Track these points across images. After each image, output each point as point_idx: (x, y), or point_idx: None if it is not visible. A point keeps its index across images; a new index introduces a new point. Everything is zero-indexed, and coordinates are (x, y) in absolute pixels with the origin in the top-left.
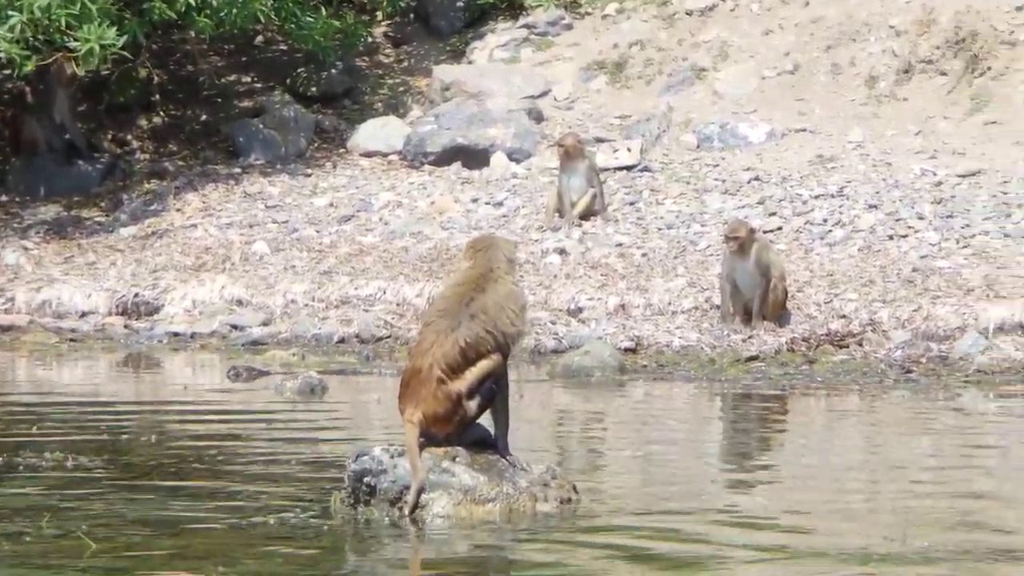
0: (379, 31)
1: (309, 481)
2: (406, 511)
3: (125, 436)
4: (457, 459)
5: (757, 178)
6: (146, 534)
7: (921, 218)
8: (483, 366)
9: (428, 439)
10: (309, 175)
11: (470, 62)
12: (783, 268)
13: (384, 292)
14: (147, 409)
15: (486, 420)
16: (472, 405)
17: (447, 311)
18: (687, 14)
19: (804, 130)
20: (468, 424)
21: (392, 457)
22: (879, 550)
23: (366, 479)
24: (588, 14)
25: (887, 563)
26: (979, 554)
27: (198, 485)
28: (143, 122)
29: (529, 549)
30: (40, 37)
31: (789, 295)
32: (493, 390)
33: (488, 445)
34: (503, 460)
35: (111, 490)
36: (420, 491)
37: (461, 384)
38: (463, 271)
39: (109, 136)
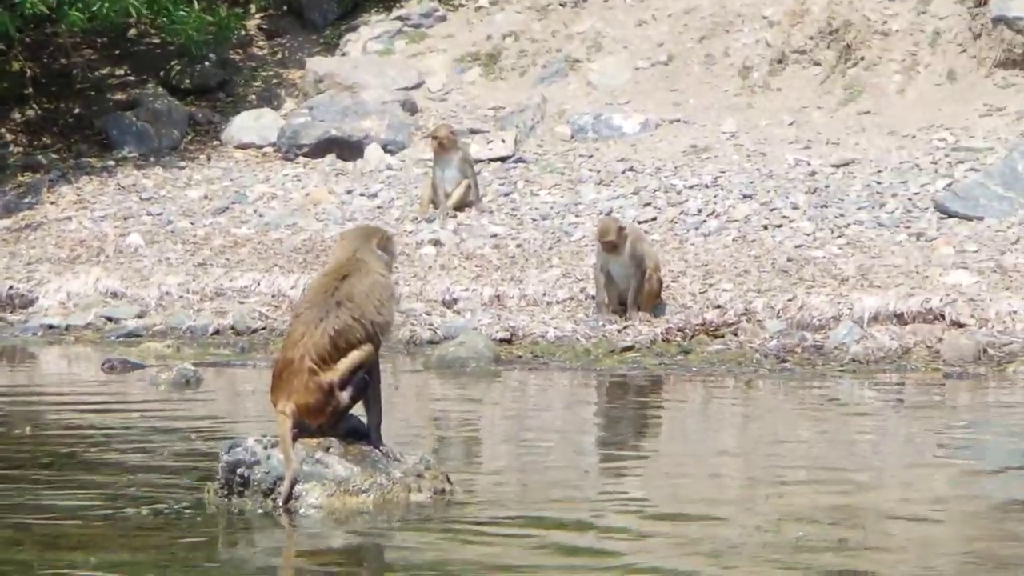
0: (252, 23)
1: (183, 472)
2: (279, 502)
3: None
4: (330, 450)
5: (631, 169)
6: (17, 523)
7: (795, 208)
8: (355, 356)
9: (301, 430)
10: (183, 167)
11: (344, 54)
12: (657, 259)
13: (259, 284)
14: (20, 401)
15: (359, 411)
16: (344, 396)
17: (314, 302)
18: (561, 5)
19: (678, 120)
20: (341, 415)
21: (265, 448)
22: (753, 539)
23: (239, 470)
24: (462, 6)
25: (763, 552)
26: (852, 544)
27: (71, 476)
28: (16, 115)
29: (402, 539)
30: None
31: (664, 285)
32: (365, 380)
33: (361, 436)
34: (376, 451)
35: None
36: (294, 482)
37: (333, 375)
38: (331, 262)
39: None
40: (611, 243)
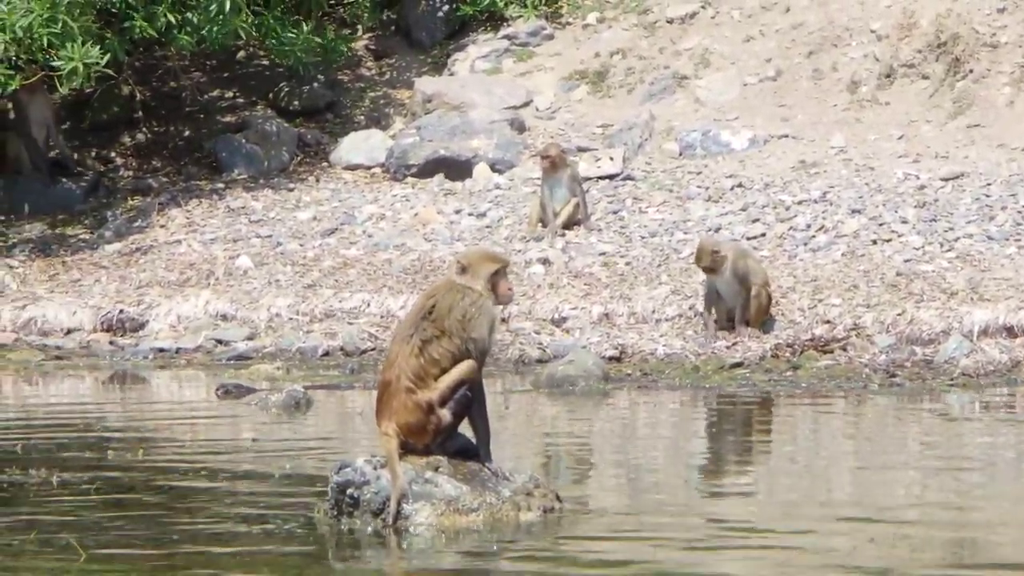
0: (360, 44)
1: (294, 494)
2: (388, 521)
3: (112, 453)
4: (440, 469)
5: (740, 185)
6: (132, 544)
7: (904, 222)
8: (454, 374)
9: (409, 450)
10: (292, 189)
11: (451, 74)
12: (765, 274)
13: (368, 305)
14: (133, 425)
15: (468, 431)
16: (445, 413)
17: (408, 320)
18: (668, 22)
19: (786, 136)
20: (444, 433)
21: (375, 468)
22: (873, 564)
23: (349, 491)
24: (569, 24)
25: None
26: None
27: (183, 500)
28: (126, 139)
29: (512, 558)
30: (23, 56)
31: (773, 301)
32: (468, 397)
33: (471, 455)
34: (485, 469)
35: (98, 505)
36: (401, 500)
37: (431, 393)
38: (435, 283)
39: (92, 154)
40: (707, 267)
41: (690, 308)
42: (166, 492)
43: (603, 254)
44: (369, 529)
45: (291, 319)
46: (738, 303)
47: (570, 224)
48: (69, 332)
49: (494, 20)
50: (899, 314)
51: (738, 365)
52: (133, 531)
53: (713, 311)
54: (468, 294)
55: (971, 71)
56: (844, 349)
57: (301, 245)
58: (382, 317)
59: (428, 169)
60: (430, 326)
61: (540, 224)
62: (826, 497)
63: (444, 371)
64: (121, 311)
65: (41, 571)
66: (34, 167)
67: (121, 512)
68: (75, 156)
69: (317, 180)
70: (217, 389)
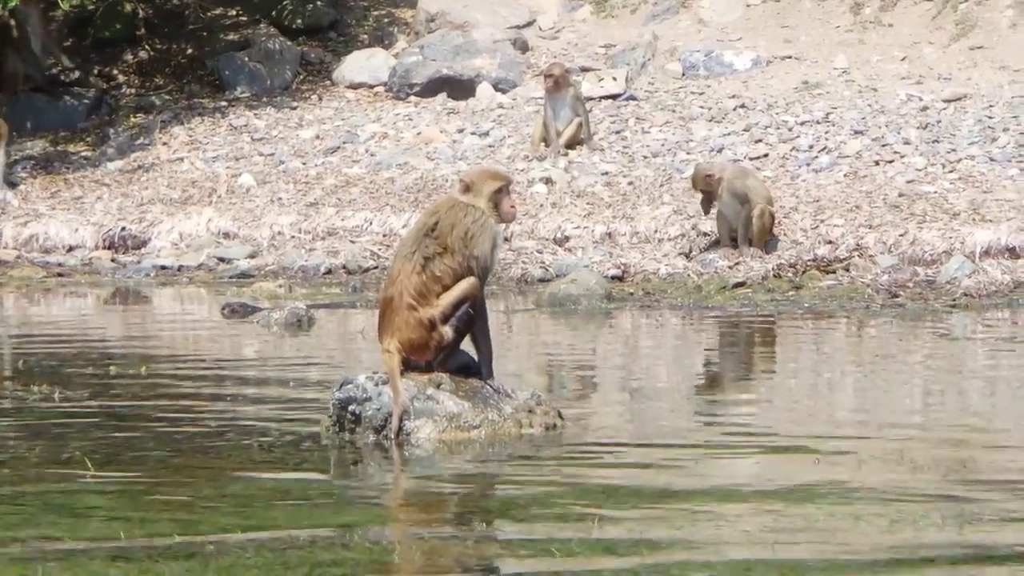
0: None
1: (297, 410)
2: (390, 437)
3: (113, 368)
4: (441, 386)
5: (743, 105)
6: (137, 456)
7: (907, 143)
8: (456, 291)
9: (412, 368)
10: (295, 108)
11: None
12: (768, 194)
13: (370, 223)
14: (136, 343)
15: (470, 348)
16: (447, 330)
17: (410, 237)
18: None
19: (789, 57)
20: (447, 350)
21: (376, 385)
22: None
23: (351, 407)
24: None
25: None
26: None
27: (186, 412)
28: (129, 57)
29: (512, 472)
30: None
31: (776, 221)
32: (470, 314)
33: (472, 372)
34: (487, 386)
35: (102, 418)
36: (402, 416)
37: (433, 310)
38: (438, 201)
39: (95, 71)
40: (703, 191)
41: (692, 228)
42: (170, 407)
43: (606, 174)
44: (371, 444)
45: (293, 237)
46: (739, 223)
47: (573, 144)
48: (71, 249)
49: None
50: (901, 235)
51: (740, 285)
52: (138, 445)
53: (721, 229)
54: (471, 212)
55: None
56: (846, 269)
57: (303, 163)
58: (384, 236)
59: (431, 88)
60: (432, 243)
61: (543, 143)
62: (828, 414)
63: (446, 288)
64: (123, 229)
65: (48, 482)
66: (32, 83)
67: (123, 425)
68: (77, 73)
69: (320, 99)
70: (223, 308)
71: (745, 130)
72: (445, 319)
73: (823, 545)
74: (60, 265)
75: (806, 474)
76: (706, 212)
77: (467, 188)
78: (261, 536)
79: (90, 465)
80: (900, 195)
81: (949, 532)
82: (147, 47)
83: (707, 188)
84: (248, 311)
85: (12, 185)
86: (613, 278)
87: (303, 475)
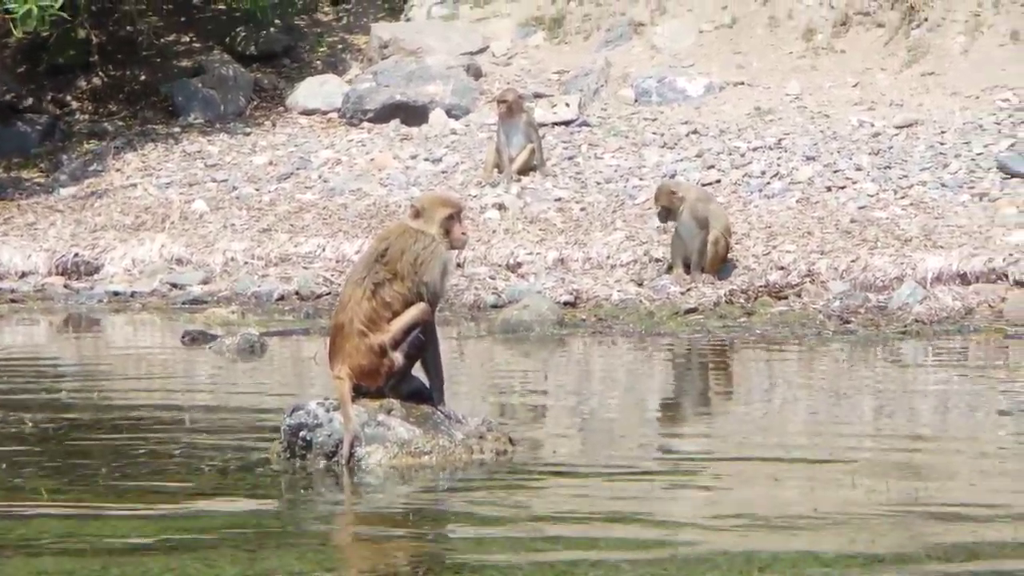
0: None
1: (249, 435)
2: (341, 463)
3: (64, 393)
4: (392, 412)
5: (695, 131)
6: (89, 476)
7: (859, 169)
8: (406, 317)
9: (362, 393)
10: (248, 134)
11: (408, 19)
12: (727, 222)
13: (323, 249)
14: (88, 369)
15: (422, 374)
16: (398, 356)
17: (361, 263)
18: None
19: (742, 83)
20: (397, 376)
21: (327, 411)
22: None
23: (302, 433)
24: None
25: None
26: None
27: (142, 440)
28: (82, 83)
29: (462, 498)
30: None
31: (730, 249)
32: (421, 340)
33: (424, 398)
34: (438, 412)
35: (54, 443)
36: (353, 442)
37: (384, 336)
38: (388, 227)
39: (48, 97)
40: (664, 208)
41: (645, 254)
42: (125, 431)
43: (558, 199)
44: (321, 469)
45: (246, 263)
46: (695, 247)
47: (526, 170)
48: (24, 275)
49: None
50: (853, 260)
51: (692, 311)
52: (94, 468)
53: (675, 254)
54: (420, 238)
55: (926, 19)
56: (798, 295)
57: (257, 189)
58: (337, 262)
59: (384, 114)
60: (382, 269)
61: (496, 169)
62: (779, 440)
63: (396, 314)
64: (76, 255)
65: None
66: None
67: (81, 450)
68: (30, 99)
69: (273, 125)
70: (183, 336)
71: (697, 156)
72: (396, 345)
73: (779, 573)
74: (13, 291)
75: (759, 500)
76: (663, 221)
77: (417, 214)
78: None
79: (43, 491)
80: (852, 221)
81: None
82: (100, 73)
83: (668, 205)
84: (208, 339)
85: None
86: (566, 304)
87: (254, 501)
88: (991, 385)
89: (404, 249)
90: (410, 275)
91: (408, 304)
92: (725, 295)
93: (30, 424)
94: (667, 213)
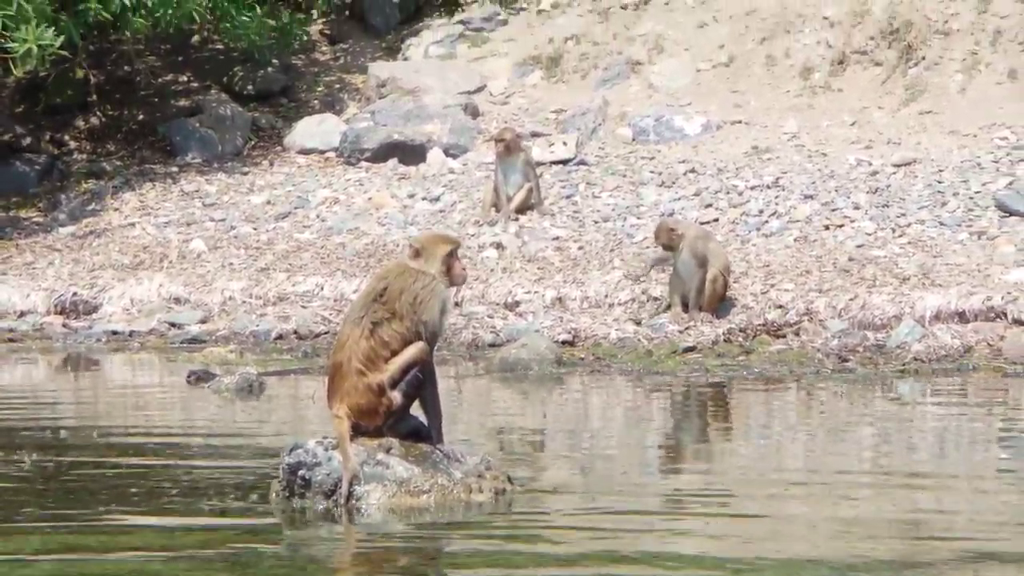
0: (315, 29)
1: (246, 474)
2: (340, 502)
3: (71, 435)
4: (391, 451)
5: (693, 170)
6: (92, 516)
7: (857, 208)
8: (405, 356)
9: (361, 433)
10: (246, 173)
11: (406, 59)
12: (727, 261)
13: (322, 288)
14: (90, 409)
15: (420, 414)
16: (396, 395)
17: (359, 302)
18: (622, 8)
19: (739, 122)
20: (395, 415)
21: (326, 450)
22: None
23: (300, 472)
24: (523, 9)
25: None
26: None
27: (142, 478)
28: (80, 122)
29: (461, 538)
30: None
31: (729, 288)
32: (419, 379)
33: (423, 437)
34: (437, 451)
35: (60, 481)
36: (352, 481)
37: (382, 375)
38: (387, 266)
39: (47, 137)
40: (664, 245)
41: (643, 292)
42: (123, 468)
43: (556, 238)
44: (321, 508)
45: (245, 302)
46: (693, 285)
47: (523, 209)
48: (23, 315)
49: (448, 5)
50: (851, 299)
51: (691, 349)
52: (93, 505)
53: (674, 293)
54: (420, 278)
55: (923, 58)
56: (796, 334)
57: (255, 229)
58: (335, 301)
59: (382, 153)
60: (381, 308)
61: (494, 208)
62: (778, 475)
63: (395, 353)
64: (75, 294)
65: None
66: None
67: (80, 487)
68: (28, 139)
69: (271, 164)
70: (188, 376)
71: (695, 194)
72: (394, 384)
73: None
74: (11, 330)
75: (758, 539)
76: (658, 260)
77: (417, 253)
78: None
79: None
80: (850, 259)
81: None
82: (98, 113)
83: (668, 243)
84: (211, 378)
85: None
86: (564, 343)
87: (253, 536)
88: (989, 423)
89: (403, 288)
90: (409, 314)
91: (407, 343)
92: (723, 334)
93: (28, 462)
94: (666, 249)
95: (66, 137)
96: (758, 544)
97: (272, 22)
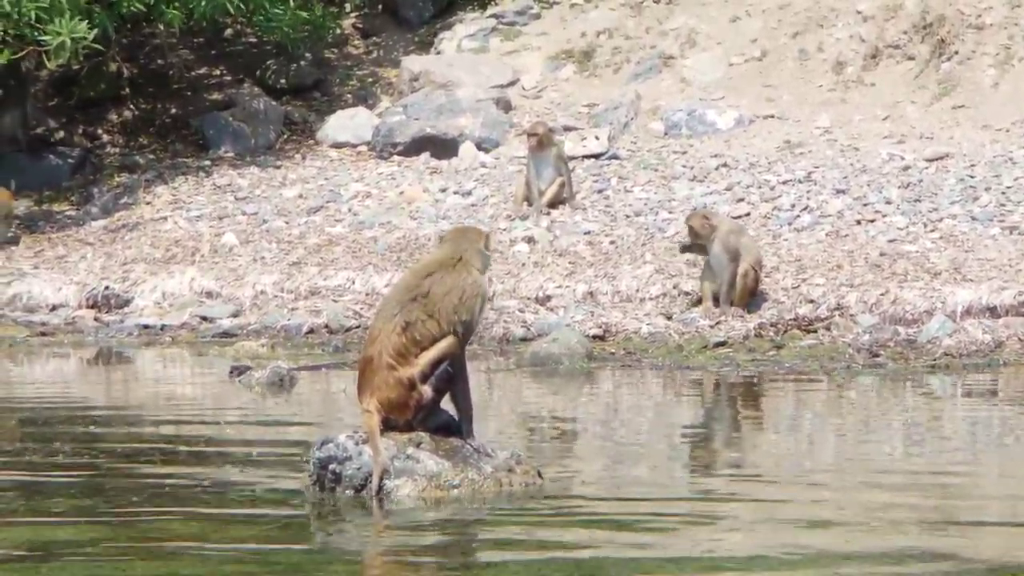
0: (348, 22)
1: (277, 468)
2: (371, 495)
3: (94, 427)
4: (421, 445)
5: (725, 164)
6: (128, 508)
7: (888, 202)
8: (436, 350)
9: (391, 427)
10: (279, 167)
11: (438, 52)
12: (759, 255)
13: (353, 282)
14: (119, 402)
15: (451, 407)
16: (427, 390)
17: (394, 298)
18: (654, 2)
19: (772, 116)
20: (426, 409)
21: (357, 444)
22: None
23: (331, 466)
24: (556, 3)
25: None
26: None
27: (172, 470)
28: (113, 116)
29: (491, 532)
30: (10, 31)
31: (760, 282)
32: (450, 373)
33: (453, 431)
34: (467, 446)
35: (87, 475)
36: (382, 475)
37: (412, 369)
38: (423, 259)
39: (79, 130)
40: (694, 233)
41: (674, 287)
42: (157, 464)
43: (588, 233)
44: (351, 503)
45: (276, 296)
46: (725, 279)
47: (555, 203)
48: (54, 308)
49: None
50: (882, 294)
51: (721, 344)
52: (125, 500)
53: (705, 287)
54: (467, 274)
55: (956, 52)
56: (827, 329)
57: (286, 222)
58: (367, 295)
59: (414, 147)
60: (418, 309)
61: (525, 203)
62: (811, 466)
63: (425, 348)
64: (106, 288)
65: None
66: (18, 143)
67: (112, 482)
68: (61, 132)
69: (303, 158)
70: (231, 371)
71: (727, 189)
72: (424, 378)
73: None
74: (44, 324)
75: (791, 537)
76: (686, 247)
77: (457, 251)
78: None
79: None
80: (881, 254)
81: None
82: (131, 106)
83: (699, 229)
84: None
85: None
86: (595, 337)
87: (282, 531)
88: (1021, 418)
89: (451, 288)
90: (447, 315)
91: (438, 339)
92: (754, 328)
93: (61, 456)
94: (696, 238)
95: (99, 130)
96: (790, 536)
97: (305, 15)
